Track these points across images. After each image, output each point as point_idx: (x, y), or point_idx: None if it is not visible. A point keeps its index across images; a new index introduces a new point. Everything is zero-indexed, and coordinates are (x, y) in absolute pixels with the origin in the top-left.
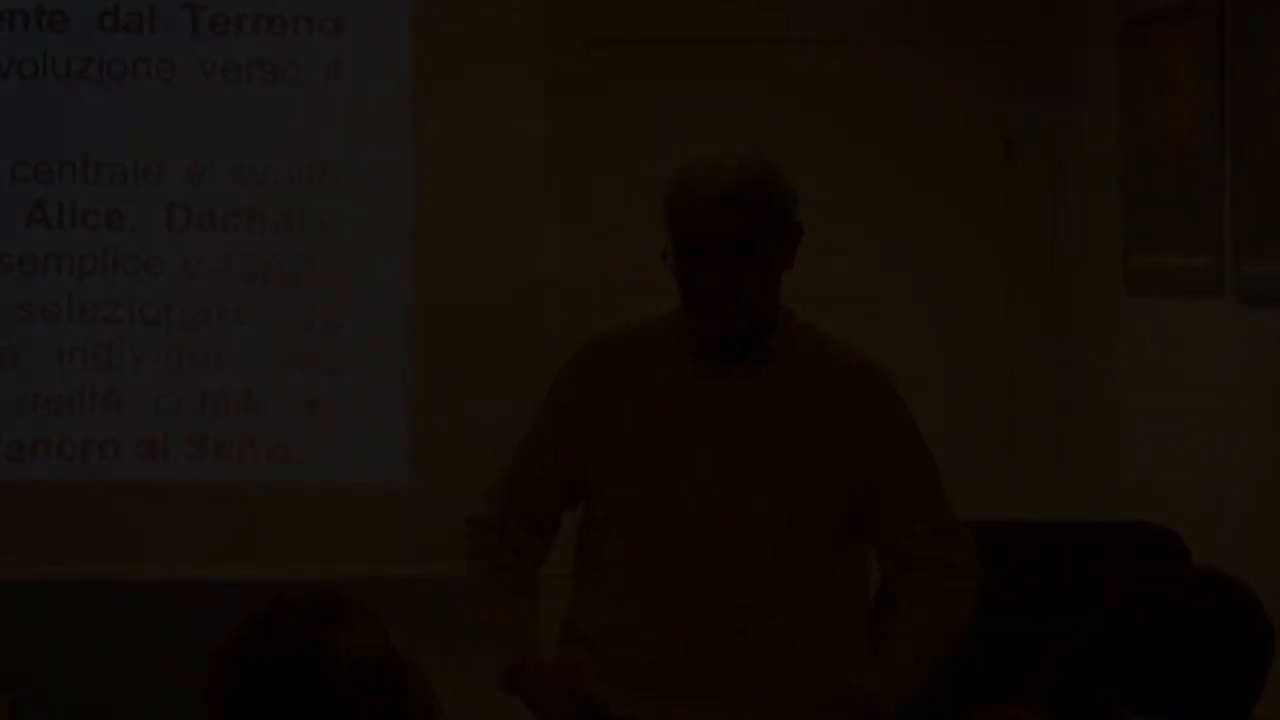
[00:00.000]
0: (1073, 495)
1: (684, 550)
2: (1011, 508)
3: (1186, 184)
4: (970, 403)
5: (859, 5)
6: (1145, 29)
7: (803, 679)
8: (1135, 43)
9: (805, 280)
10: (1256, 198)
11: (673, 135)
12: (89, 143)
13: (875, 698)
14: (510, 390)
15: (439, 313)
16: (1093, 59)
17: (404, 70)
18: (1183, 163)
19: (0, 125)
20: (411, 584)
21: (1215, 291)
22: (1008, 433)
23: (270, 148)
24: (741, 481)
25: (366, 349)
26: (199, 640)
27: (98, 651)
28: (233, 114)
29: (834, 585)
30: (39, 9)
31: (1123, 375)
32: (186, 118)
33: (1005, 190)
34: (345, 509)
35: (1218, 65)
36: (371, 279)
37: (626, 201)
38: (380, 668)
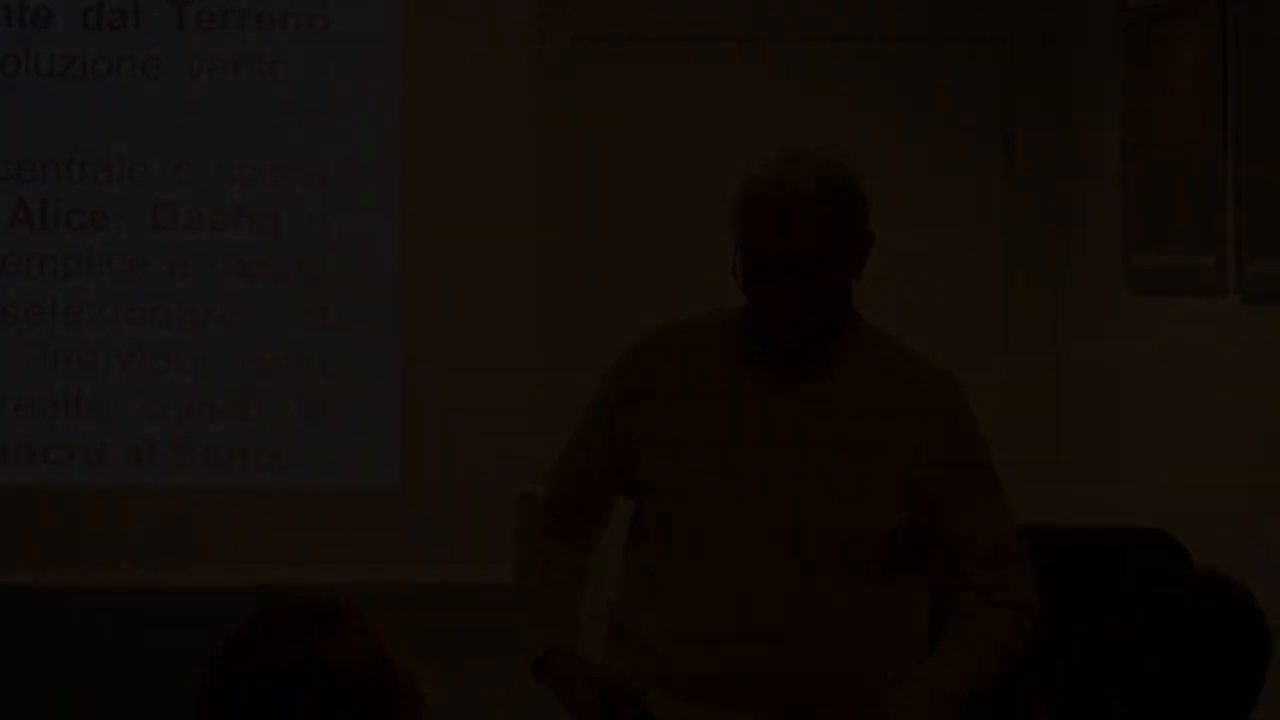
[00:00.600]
0: (1073, 496)
1: (730, 560)
2: (1011, 510)
3: (1189, 182)
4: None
5: (857, 1)
6: (1147, 26)
7: (848, 698)
8: (1137, 40)
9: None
10: (1260, 196)
11: (666, 133)
12: (73, 141)
13: None
14: (501, 394)
15: (429, 315)
16: (1094, 56)
17: (393, 68)
18: (1185, 161)
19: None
20: (401, 588)
21: (1218, 291)
22: (1008, 433)
23: (258, 146)
24: (793, 493)
25: (356, 351)
26: (186, 646)
27: (84, 656)
28: (219, 112)
29: (890, 604)
30: (22, 6)
31: (1124, 375)
32: (172, 116)
33: (1006, 188)
34: (335, 513)
35: (1220, 62)
36: (361, 280)
37: (619, 199)
38: (372, 674)
